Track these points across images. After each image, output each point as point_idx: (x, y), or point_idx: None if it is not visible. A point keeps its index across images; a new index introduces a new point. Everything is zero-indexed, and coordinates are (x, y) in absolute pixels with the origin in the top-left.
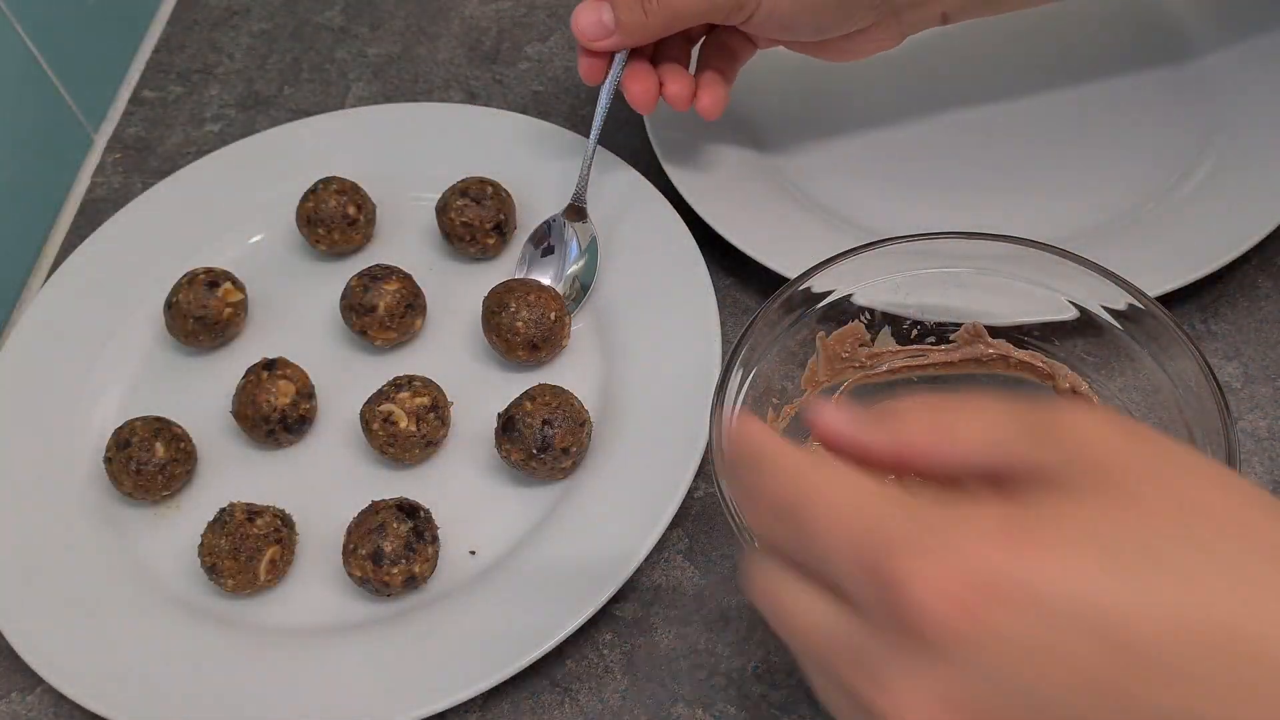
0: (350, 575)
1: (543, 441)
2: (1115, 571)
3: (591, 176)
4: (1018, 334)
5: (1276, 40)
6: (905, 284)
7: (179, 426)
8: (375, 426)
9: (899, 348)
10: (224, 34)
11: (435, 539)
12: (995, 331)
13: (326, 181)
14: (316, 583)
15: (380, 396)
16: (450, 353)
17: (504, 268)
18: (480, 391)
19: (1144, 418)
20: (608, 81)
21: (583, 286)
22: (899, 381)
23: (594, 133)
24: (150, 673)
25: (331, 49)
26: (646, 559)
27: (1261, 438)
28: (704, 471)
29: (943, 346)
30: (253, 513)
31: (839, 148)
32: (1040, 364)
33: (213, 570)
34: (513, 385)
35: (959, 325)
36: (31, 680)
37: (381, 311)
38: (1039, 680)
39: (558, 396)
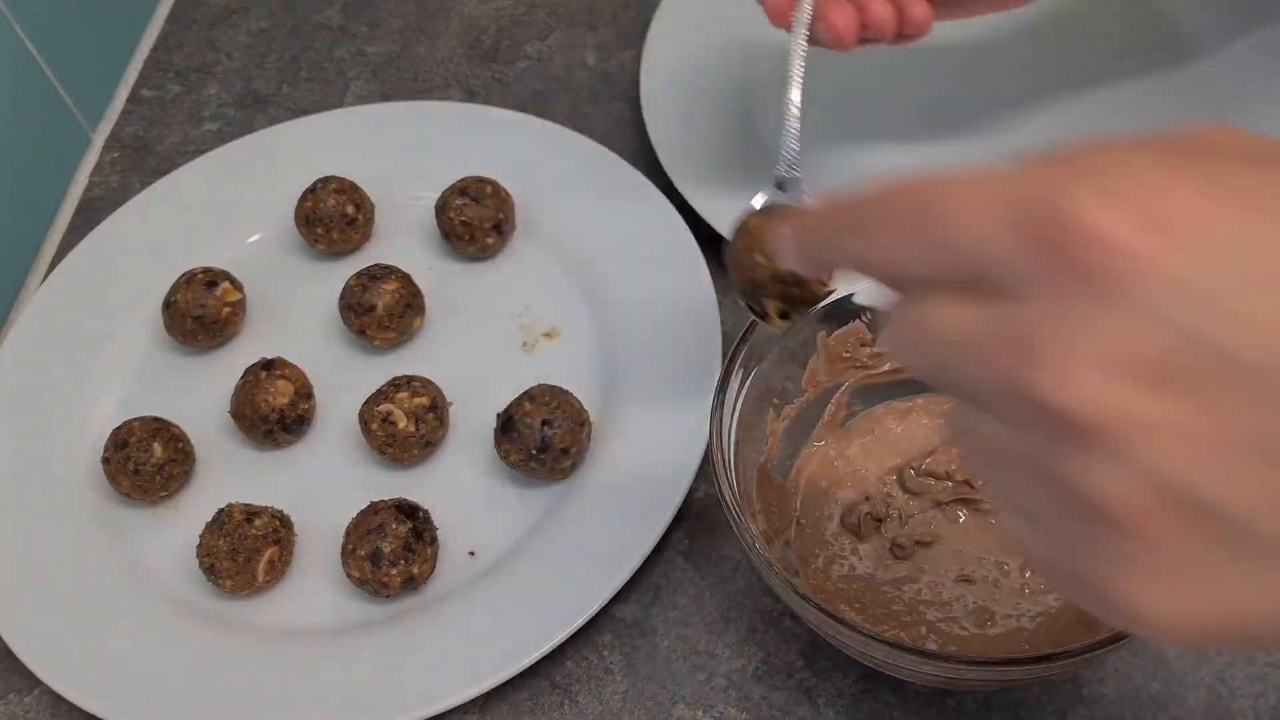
0: (349, 576)
1: (542, 442)
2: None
3: (591, 176)
4: None
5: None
6: None
7: (177, 427)
8: (374, 427)
9: None
10: (222, 33)
11: (434, 540)
12: None
13: (325, 180)
14: (315, 583)
15: (379, 396)
16: (449, 353)
17: (503, 267)
18: (479, 391)
19: None
20: (799, 19)
21: None
22: (901, 381)
23: (794, 86)
24: (148, 673)
25: (330, 48)
26: (646, 559)
27: None
28: (704, 471)
29: None
30: (251, 513)
31: (840, 148)
32: None
33: (211, 571)
34: (512, 385)
35: None
36: (29, 681)
37: (380, 311)
38: (1223, 332)
39: (557, 396)
